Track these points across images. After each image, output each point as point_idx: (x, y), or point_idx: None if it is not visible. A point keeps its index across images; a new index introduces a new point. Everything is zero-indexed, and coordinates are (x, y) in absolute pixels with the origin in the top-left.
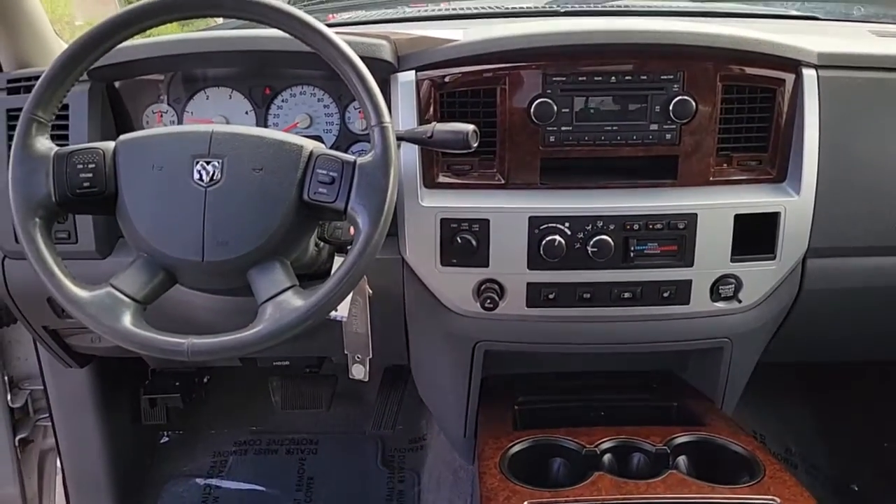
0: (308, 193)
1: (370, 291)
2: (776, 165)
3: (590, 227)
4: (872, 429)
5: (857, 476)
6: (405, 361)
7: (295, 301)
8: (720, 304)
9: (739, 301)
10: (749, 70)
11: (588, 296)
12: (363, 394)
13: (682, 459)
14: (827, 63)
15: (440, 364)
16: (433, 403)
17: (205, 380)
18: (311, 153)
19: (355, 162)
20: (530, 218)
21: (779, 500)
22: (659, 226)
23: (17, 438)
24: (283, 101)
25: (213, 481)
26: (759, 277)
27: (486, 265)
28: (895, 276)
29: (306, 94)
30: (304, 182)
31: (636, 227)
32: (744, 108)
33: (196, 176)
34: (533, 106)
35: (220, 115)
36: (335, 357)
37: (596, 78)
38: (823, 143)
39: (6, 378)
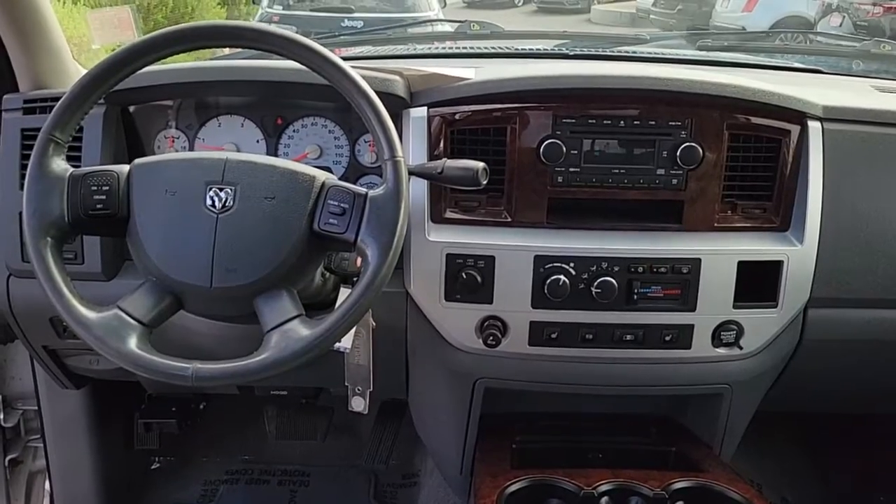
0: (319, 224)
1: (374, 324)
2: (780, 214)
3: (594, 268)
4: (866, 480)
5: None
6: (404, 395)
7: (301, 330)
8: (721, 351)
9: (741, 348)
10: (755, 120)
11: (590, 336)
12: (358, 427)
13: None
14: (832, 116)
15: (439, 399)
16: (430, 439)
17: (201, 406)
18: (323, 184)
19: (367, 194)
20: (536, 257)
21: None
22: (663, 269)
23: (7, 459)
24: (294, 131)
25: None
26: (761, 325)
27: (490, 302)
28: (895, 329)
29: (317, 126)
30: (315, 212)
31: (640, 269)
32: (749, 156)
33: (209, 202)
34: (542, 146)
35: (231, 142)
36: (334, 388)
37: (605, 121)
38: (827, 194)
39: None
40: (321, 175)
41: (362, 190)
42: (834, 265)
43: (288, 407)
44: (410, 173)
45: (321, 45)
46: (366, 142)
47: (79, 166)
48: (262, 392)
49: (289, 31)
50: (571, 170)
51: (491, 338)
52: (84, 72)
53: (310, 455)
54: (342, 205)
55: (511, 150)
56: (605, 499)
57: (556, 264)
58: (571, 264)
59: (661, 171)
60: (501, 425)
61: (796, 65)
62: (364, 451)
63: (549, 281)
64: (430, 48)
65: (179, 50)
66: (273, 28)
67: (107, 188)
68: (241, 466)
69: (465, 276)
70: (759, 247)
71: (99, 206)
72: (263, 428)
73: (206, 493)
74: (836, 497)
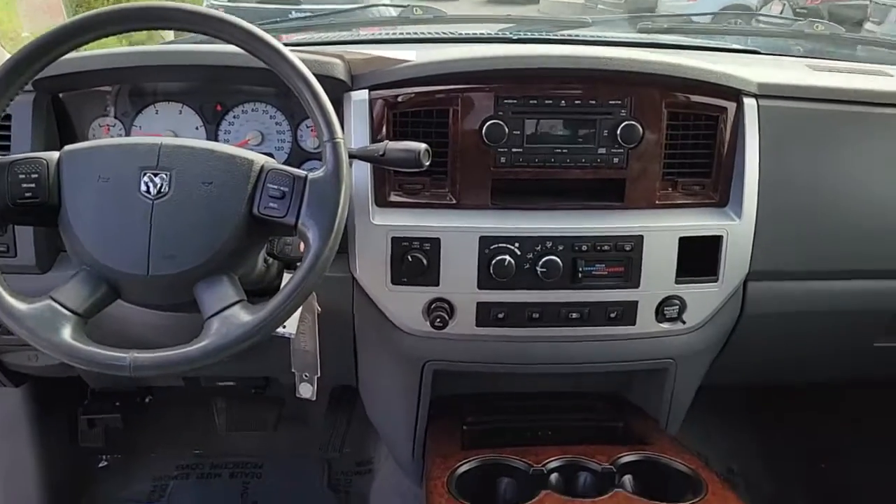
0: (258, 208)
1: (319, 309)
2: (719, 190)
3: (539, 247)
4: (811, 449)
5: (796, 496)
6: (354, 382)
7: (243, 316)
8: (665, 326)
9: (683, 322)
10: (693, 98)
11: (537, 316)
12: (310, 416)
13: (627, 478)
14: (766, 93)
15: (389, 384)
16: (381, 424)
17: (146, 400)
18: (262, 167)
19: (306, 177)
20: (481, 238)
21: None
22: (606, 247)
23: None
24: (234, 117)
25: None
26: (703, 299)
27: (437, 284)
28: (832, 300)
29: (258, 111)
30: (255, 196)
31: (584, 248)
32: (688, 134)
33: (143, 188)
34: (485, 127)
35: (169, 130)
36: (282, 377)
37: (546, 101)
38: (763, 169)
39: None
40: (260, 159)
41: (302, 172)
42: (772, 239)
43: (237, 398)
44: (352, 156)
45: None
46: (308, 127)
47: (7, 155)
48: (208, 383)
49: (223, 13)
50: (514, 150)
51: (438, 320)
52: None
53: (262, 446)
54: (282, 188)
55: (454, 131)
56: (554, 475)
57: (500, 245)
58: (516, 244)
59: (602, 150)
60: (452, 408)
61: (734, 46)
62: (316, 441)
63: (494, 261)
64: (373, 34)
65: (106, 33)
66: (206, 9)
67: (35, 176)
68: (192, 461)
69: (410, 259)
70: (699, 222)
71: (27, 194)
72: (213, 421)
73: (156, 489)
74: (780, 467)
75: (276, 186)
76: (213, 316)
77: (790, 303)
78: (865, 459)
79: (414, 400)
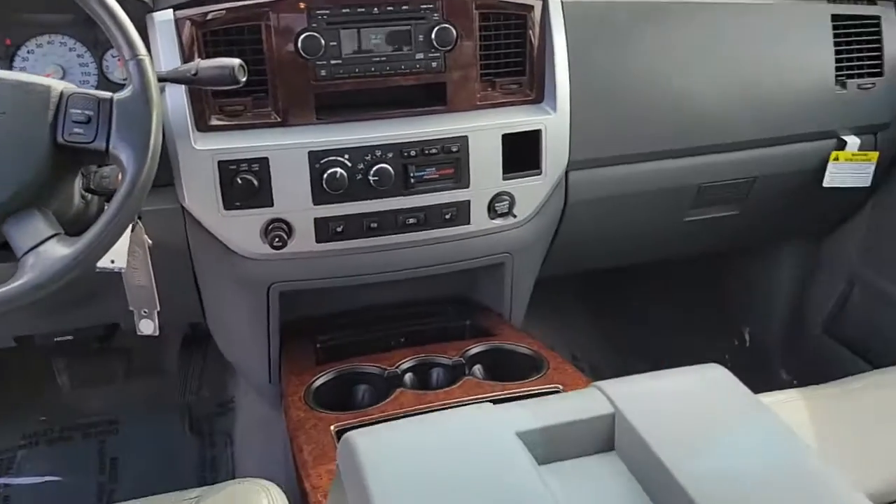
0: (63, 135)
1: (150, 241)
2: (534, 88)
3: (369, 157)
4: (643, 326)
5: (634, 371)
6: (201, 318)
7: (60, 249)
8: (498, 221)
9: (515, 216)
10: None
11: (375, 225)
12: (163, 364)
13: (477, 368)
14: None
15: (236, 312)
16: (235, 355)
17: None
18: (61, 93)
19: (112, 98)
20: (310, 153)
21: (561, 387)
22: (434, 150)
23: None
24: (28, 52)
25: (2, 480)
26: (530, 192)
27: (271, 204)
28: (645, 181)
29: (55, 44)
30: (57, 123)
31: (413, 153)
32: (500, 34)
33: None
34: (300, 41)
35: None
36: (124, 322)
37: (359, 10)
38: (572, 64)
39: None
40: (58, 84)
41: (107, 94)
42: (586, 129)
43: (79, 354)
44: (163, 79)
45: None
46: (113, 56)
47: None
48: (44, 341)
49: None
50: (333, 62)
51: (277, 240)
52: None
53: (115, 402)
54: (86, 112)
55: (269, 47)
56: (408, 375)
57: (330, 158)
58: (346, 156)
59: (420, 56)
60: (305, 329)
61: None
62: (173, 389)
63: (326, 175)
64: None
65: None
66: None
67: None
68: (38, 427)
69: (240, 182)
70: (519, 119)
71: None
72: (55, 382)
73: (3, 461)
74: (618, 346)
75: (79, 111)
76: (27, 253)
77: (608, 187)
78: (687, 331)
79: (263, 324)
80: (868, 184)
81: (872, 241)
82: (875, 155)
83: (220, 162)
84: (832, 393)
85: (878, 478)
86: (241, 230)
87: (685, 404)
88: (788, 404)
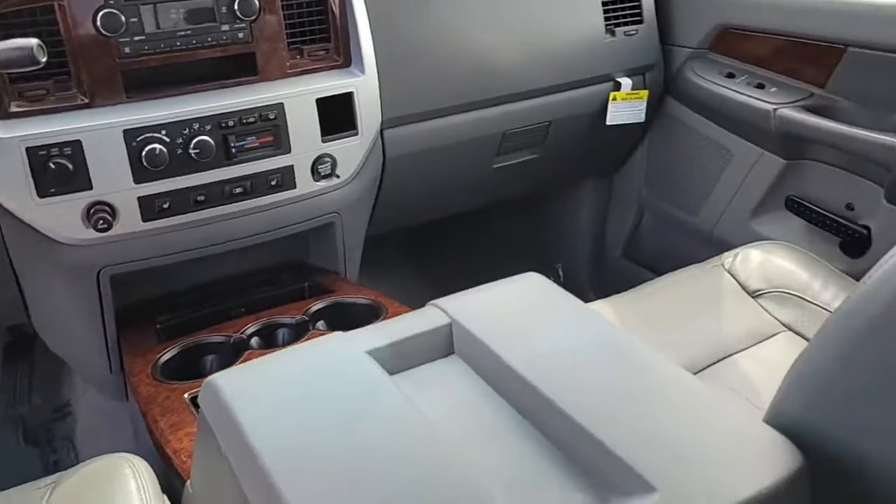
0: None
1: None
2: (341, 53)
3: (187, 130)
4: (466, 271)
5: None
6: (24, 318)
7: None
8: (322, 183)
9: (338, 177)
10: None
11: (202, 198)
12: None
13: (320, 323)
14: None
15: (65, 304)
16: (69, 351)
17: None
18: None
19: None
20: (124, 132)
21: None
22: (252, 119)
23: None
24: None
25: None
26: (349, 153)
27: (90, 187)
28: (455, 133)
29: None
30: None
31: (231, 123)
32: (303, 2)
33: None
34: (98, 18)
35: None
36: None
37: None
38: (374, 28)
39: None
40: None
41: None
42: (395, 88)
43: None
44: None
45: None
46: None
47: None
48: None
49: None
50: (137, 39)
51: (101, 222)
52: None
53: None
54: None
55: (66, 27)
56: (254, 339)
57: (147, 135)
58: (163, 132)
59: (226, 27)
60: (142, 313)
61: None
62: (1, 401)
63: (144, 153)
64: None
65: None
66: None
67: None
68: None
69: (53, 167)
70: (330, 83)
71: None
72: None
73: None
74: (446, 293)
75: None
76: None
77: (422, 141)
78: (507, 271)
79: (97, 312)
80: (642, 119)
81: (652, 171)
82: (645, 93)
83: (28, 148)
84: (630, 298)
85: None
86: (60, 217)
87: (510, 306)
88: (594, 307)
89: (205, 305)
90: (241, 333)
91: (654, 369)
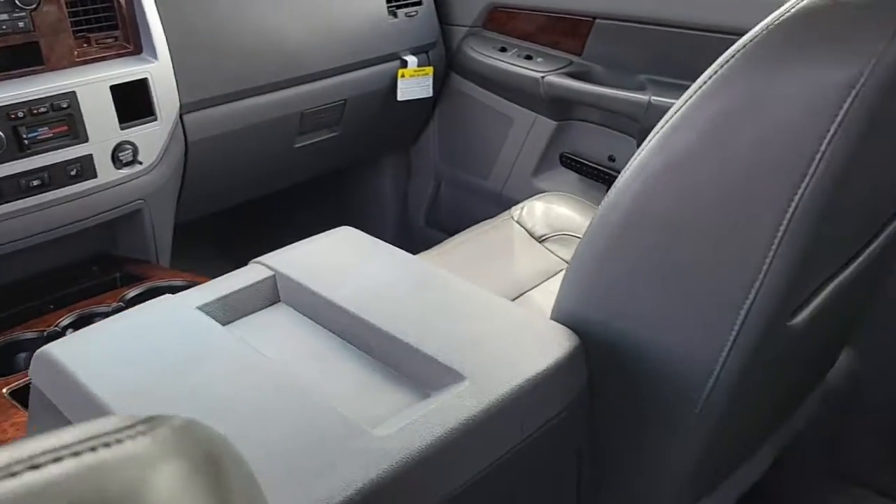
0: None
1: None
2: (131, 40)
3: None
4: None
5: None
6: None
7: None
8: (125, 171)
9: (140, 163)
10: None
11: None
12: None
13: None
14: None
15: None
16: None
17: None
18: None
19: None
20: None
21: None
22: (43, 109)
23: None
24: None
25: None
26: (150, 139)
27: None
28: (255, 114)
29: None
30: None
31: (21, 114)
32: None
33: None
34: None
35: None
36: None
37: None
38: (164, 15)
39: None
40: None
41: None
42: (191, 74)
43: None
44: None
45: None
46: None
47: None
48: None
49: None
50: None
51: None
52: None
53: None
54: None
55: None
56: (69, 330)
57: None
58: None
59: (4, 16)
60: None
61: None
62: None
63: None
64: None
65: None
66: None
67: None
68: None
69: None
70: (123, 70)
71: None
72: None
73: None
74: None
75: None
76: None
77: (223, 124)
78: None
79: None
80: (430, 94)
81: (444, 142)
82: (430, 69)
83: None
84: (434, 253)
85: None
86: None
87: (328, 255)
88: None
89: (12, 304)
90: (56, 326)
91: (459, 290)
